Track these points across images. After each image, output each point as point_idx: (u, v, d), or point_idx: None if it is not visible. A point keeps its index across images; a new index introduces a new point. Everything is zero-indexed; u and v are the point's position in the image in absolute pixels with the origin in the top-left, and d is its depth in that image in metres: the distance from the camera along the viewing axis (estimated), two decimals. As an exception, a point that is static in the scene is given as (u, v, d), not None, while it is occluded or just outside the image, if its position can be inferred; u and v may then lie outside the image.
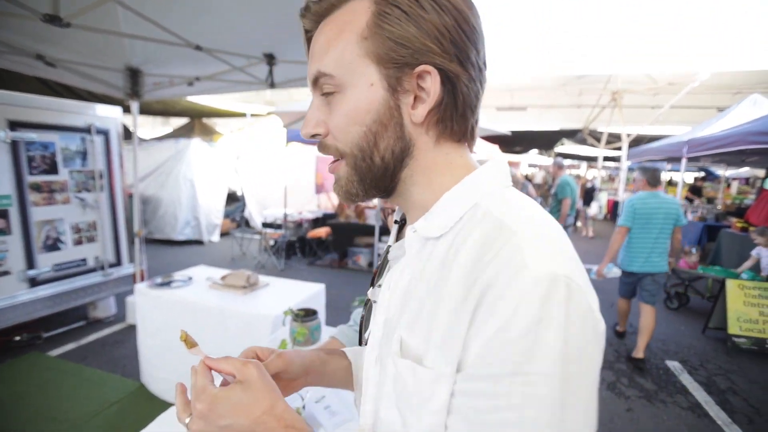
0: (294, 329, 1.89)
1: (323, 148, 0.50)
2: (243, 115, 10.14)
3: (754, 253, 4.35)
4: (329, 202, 8.47)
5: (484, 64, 0.47)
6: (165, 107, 9.21)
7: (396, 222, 0.61)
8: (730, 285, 3.86)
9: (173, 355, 2.58)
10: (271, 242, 6.64)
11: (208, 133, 10.60)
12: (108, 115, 3.80)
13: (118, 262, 3.95)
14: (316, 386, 0.67)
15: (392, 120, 0.45)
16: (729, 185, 10.85)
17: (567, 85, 9.57)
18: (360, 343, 0.58)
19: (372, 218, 6.35)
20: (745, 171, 11.12)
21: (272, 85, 3.23)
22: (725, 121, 5.71)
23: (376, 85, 0.44)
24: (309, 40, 0.51)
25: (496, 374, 0.35)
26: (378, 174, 0.47)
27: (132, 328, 2.93)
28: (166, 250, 7.25)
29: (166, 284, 2.64)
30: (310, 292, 2.62)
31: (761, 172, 9.83)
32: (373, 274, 0.58)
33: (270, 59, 2.96)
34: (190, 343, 0.53)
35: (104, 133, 3.75)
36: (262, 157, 8.72)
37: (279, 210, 7.21)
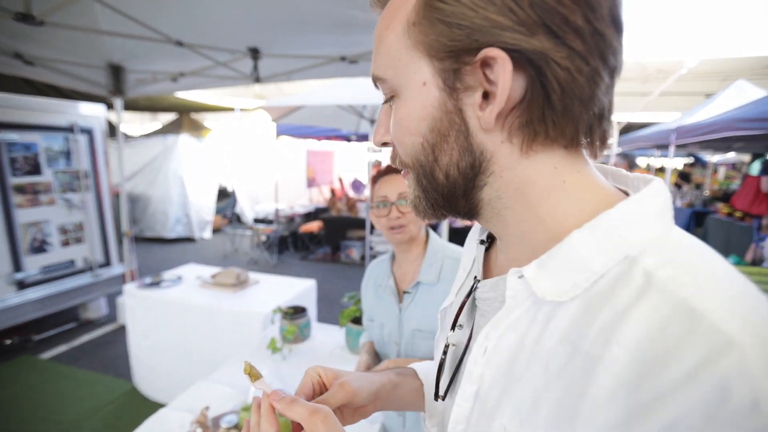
0: (283, 327, 1.90)
1: (392, 158, 0.42)
2: (232, 109, 10.03)
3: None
4: (321, 196, 8.44)
5: (614, 23, 0.31)
6: (152, 103, 9.07)
7: (482, 242, 0.49)
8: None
9: (164, 356, 2.58)
10: (264, 238, 6.62)
11: (197, 128, 10.47)
12: (91, 113, 3.73)
13: (107, 263, 3.91)
14: (385, 410, 0.60)
15: (453, 127, 0.34)
16: (716, 171, 10.97)
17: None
18: (436, 394, 0.47)
19: (363, 212, 6.34)
20: (731, 156, 11.26)
21: (258, 80, 3.18)
22: (712, 107, 5.76)
23: (429, 84, 0.34)
24: None
25: None
26: (444, 193, 0.38)
27: (124, 329, 2.92)
28: (157, 249, 7.20)
29: (156, 284, 2.62)
30: (300, 289, 2.62)
31: (747, 158, 9.96)
32: (456, 313, 0.46)
33: (255, 53, 2.91)
34: (254, 375, 0.48)
35: (88, 132, 3.69)
36: (253, 152, 8.65)
37: (271, 205, 7.18)
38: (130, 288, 2.64)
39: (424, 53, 0.33)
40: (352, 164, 10.31)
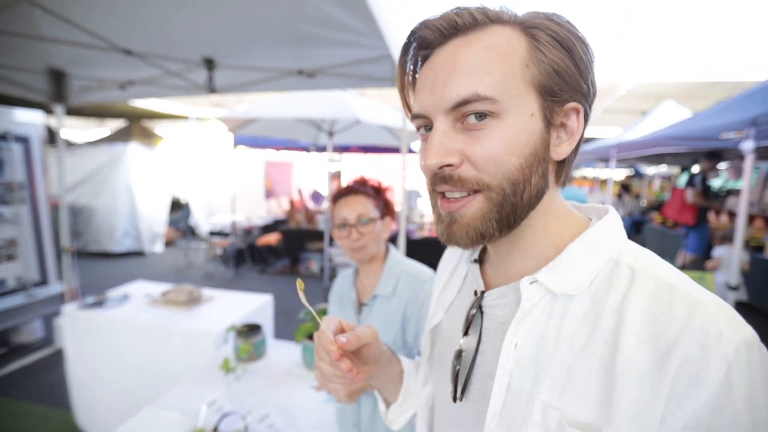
0: (237, 346, 1.85)
1: (456, 181, 0.43)
2: (186, 118, 9.66)
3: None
4: (279, 207, 8.30)
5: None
6: (99, 109, 8.58)
7: (475, 261, 0.56)
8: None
9: (107, 382, 2.41)
10: (219, 251, 6.39)
11: (148, 136, 9.99)
12: (28, 120, 3.48)
13: (43, 281, 3.62)
14: (374, 382, 0.66)
15: (543, 155, 0.43)
16: (651, 182, 11.90)
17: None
18: (454, 397, 0.51)
19: (323, 223, 6.30)
20: (664, 169, 12.29)
21: (213, 91, 3.12)
22: (646, 124, 6.31)
23: (536, 116, 0.42)
24: (422, 56, 0.46)
25: None
26: (521, 213, 0.44)
27: (61, 354, 2.69)
28: (103, 264, 6.75)
29: (99, 304, 2.47)
30: (257, 304, 2.56)
31: (677, 170, 10.91)
32: (467, 322, 0.52)
33: (209, 64, 2.85)
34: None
35: (24, 140, 3.43)
36: (208, 162, 8.37)
37: (227, 217, 6.96)
38: (69, 309, 2.46)
39: (535, 90, 0.42)
40: (311, 175, 10.22)
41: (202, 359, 2.04)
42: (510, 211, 0.43)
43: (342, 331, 0.57)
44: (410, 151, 5.71)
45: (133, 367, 2.32)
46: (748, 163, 3.45)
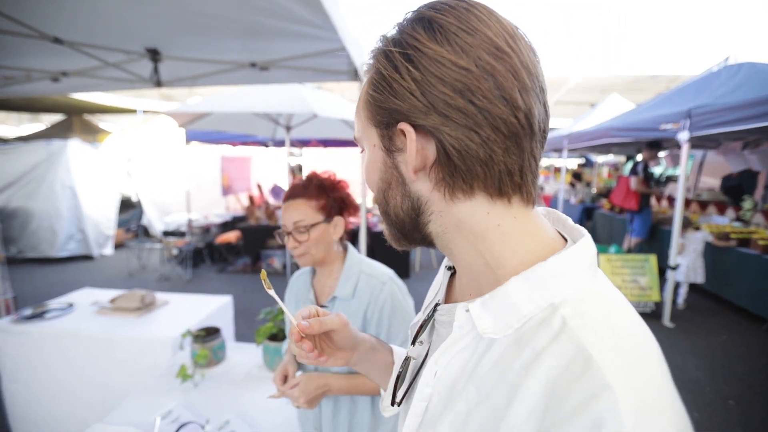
0: (195, 351, 1.78)
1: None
2: (134, 111, 9.09)
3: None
4: (238, 203, 8.03)
5: (505, 100, 0.38)
6: (30, 102, 7.88)
7: (448, 268, 0.57)
8: (601, 259, 4.52)
9: (50, 401, 2.23)
10: (175, 251, 6.11)
11: (91, 131, 9.33)
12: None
13: (-28, 293, 3.30)
14: (357, 368, 0.68)
15: (394, 178, 0.45)
16: (601, 170, 12.61)
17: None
18: (393, 401, 0.54)
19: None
20: (611, 158, 13.04)
21: (159, 84, 2.94)
22: (594, 116, 6.65)
23: (377, 146, 0.46)
24: None
25: None
26: (399, 227, 0.48)
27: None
28: (44, 271, 6.26)
29: (39, 316, 2.28)
30: (215, 306, 2.47)
31: (623, 159, 11.62)
32: (416, 330, 0.53)
33: (154, 55, 2.68)
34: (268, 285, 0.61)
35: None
36: (159, 159, 7.94)
37: (182, 216, 6.66)
38: (3, 323, 2.26)
39: (372, 124, 0.45)
40: (271, 170, 9.96)
41: (157, 368, 1.94)
42: (391, 225, 0.49)
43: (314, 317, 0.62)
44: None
45: (80, 383, 2.17)
46: (684, 151, 3.73)
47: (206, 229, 6.69)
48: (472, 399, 0.40)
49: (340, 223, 1.16)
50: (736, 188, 6.36)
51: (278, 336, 1.75)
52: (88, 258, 6.96)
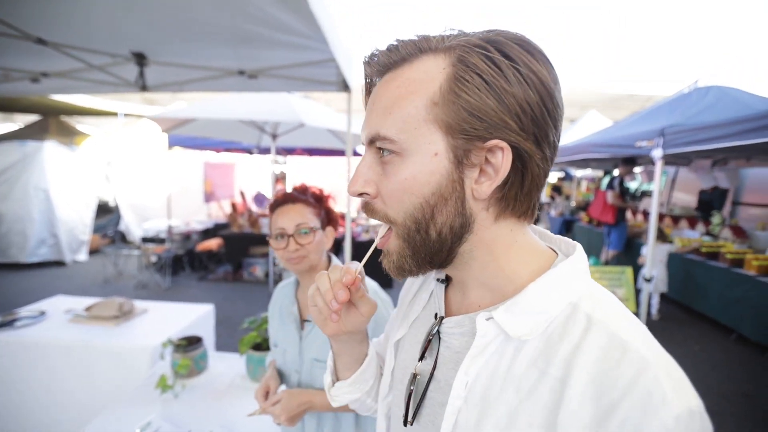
0: (175, 361, 1.74)
1: (369, 210, 0.47)
2: (115, 114, 8.88)
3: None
4: (220, 210, 7.91)
5: (559, 140, 0.44)
6: (5, 102, 7.62)
7: (439, 281, 0.56)
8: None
9: (20, 416, 2.14)
10: (154, 258, 5.95)
11: (68, 134, 9.03)
12: None
13: (-63, 300, 3.14)
14: (337, 341, 0.61)
15: (454, 194, 0.42)
16: (579, 184, 12.95)
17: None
18: (405, 421, 0.51)
19: (266, 227, 6.11)
20: (589, 172, 13.43)
21: (144, 89, 2.90)
22: (574, 131, 6.86)
23: (440, 155, 0.41)
24: (368, 87, 0.48)
25: None
26: (434, 249, 0.44)
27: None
28: (13, 277, 6.00)
29: (8, 324, 2.19)
30: (196, 315, 2.43)
31: (601, 173, 11.97)
32: (424, 346, 0.52)
33: (140, 59, 2.65)
34: None
35: None
36: (140, 163, 7.77)
37: (163, 222, 6.51)
38: (-30, 331, 2.16)
39: (441, 129, 0.41)
40: (254, 177, 9.86)
41: (136, 379, 1.89)
42: (420, 247, 0.44)
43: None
44: (355, 153, 5.71)
45: (53, 395, 2.08)
46: (658, 168, 3.89)
47: (187, 236, 6.56)
48: (512, 400, 0.41)
49: (330, 234, 1.17)
50: (707, 203, 6.65)
51: (262, 345, 1.73)
52: (60, 264, 6.71)
